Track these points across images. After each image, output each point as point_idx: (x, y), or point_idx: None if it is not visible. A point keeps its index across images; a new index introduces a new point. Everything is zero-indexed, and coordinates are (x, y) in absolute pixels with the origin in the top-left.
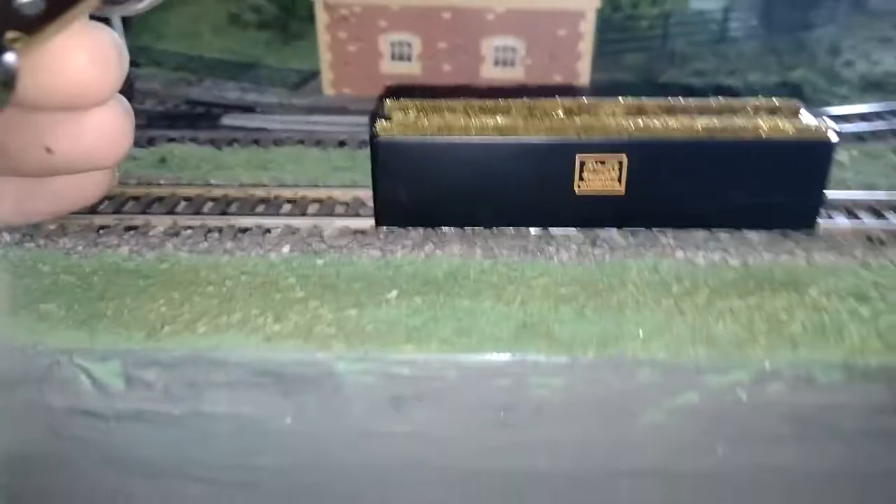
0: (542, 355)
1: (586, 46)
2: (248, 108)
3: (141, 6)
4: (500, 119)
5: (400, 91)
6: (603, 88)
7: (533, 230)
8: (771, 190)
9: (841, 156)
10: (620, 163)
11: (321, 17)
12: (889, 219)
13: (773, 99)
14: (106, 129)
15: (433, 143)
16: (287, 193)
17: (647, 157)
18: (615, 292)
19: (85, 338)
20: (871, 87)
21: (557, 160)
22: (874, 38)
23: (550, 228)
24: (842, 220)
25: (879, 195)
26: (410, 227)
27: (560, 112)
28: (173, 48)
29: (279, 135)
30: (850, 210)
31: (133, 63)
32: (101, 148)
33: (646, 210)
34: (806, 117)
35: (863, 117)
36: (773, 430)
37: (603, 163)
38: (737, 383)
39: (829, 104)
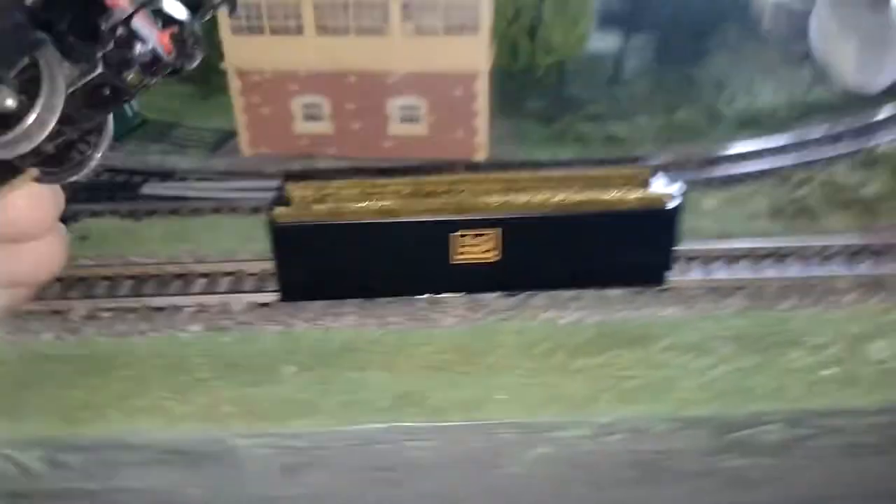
0: (416, 422)
1: (482, 104)
2: (167, 175)
3: (80, 175)
4: (386, 202)
5: (300, 176)
6: (505, 139)
7: (422, 297)
8: (623, 252)
9: (706, 203)
10: (495, 236)
11: (234, 83)
12: (736, 269)
13: (629, 168)
14: (42, 257)
15: (326, 225)
16: (200, 269)
17: (516, 229)
18: (486, 356)
19: (8, 427)
20: (748, 123)
21: (435, 236)
22: (759, 71)
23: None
24: (693, 274)
25: (732, 244)
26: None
27: (442, 189)
28: None
29: (196, 204)
30: (704, 260)
31: None
32: (35, 272)
33: (517, 275)
34: (655, 185)
35: (733, 159)
36: (619, 474)
37: (479, 236)
38: (583, 436)
39: (708, 144)
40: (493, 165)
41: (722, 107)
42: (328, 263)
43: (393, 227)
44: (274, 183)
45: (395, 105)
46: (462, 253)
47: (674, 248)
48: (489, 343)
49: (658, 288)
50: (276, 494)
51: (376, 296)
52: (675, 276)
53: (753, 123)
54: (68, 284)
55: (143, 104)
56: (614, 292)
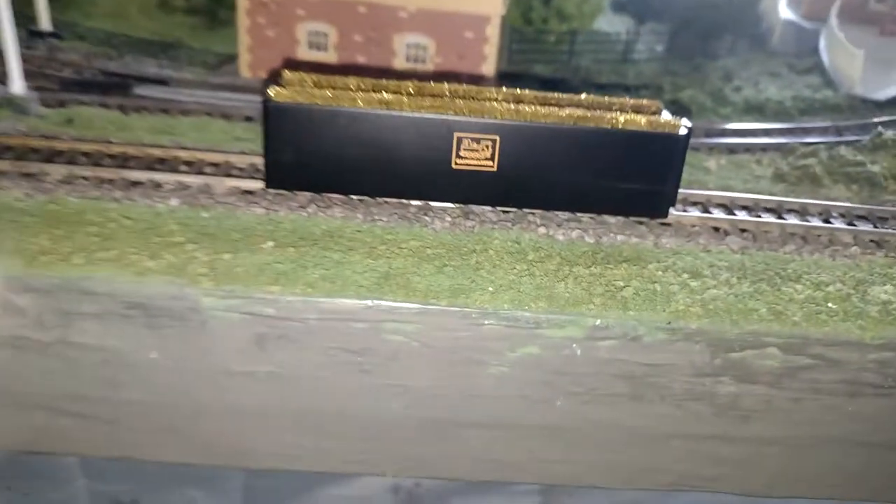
0: (398, 302)
1: (491, 50)
2: (161, 82)
3: None
4: (387, 95)
5: (303, 67)
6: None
7: (414, 203)
8: (628, 178)
9: (709, 163)
10: (494, 142)
11: (242, 1)
12: (734, 215)
13: (640, 100)
14: None
15: (322, 111)
16: (184, 155)
17: (517, 138)
18: (476, 255)
19: None
20: (752, 109)
21: (437, 135)
22: (766, 73)
23: (430, 203)
24: (694, 212)
25: (732, 194)
26: (298, 192)
27: (445, 93)
28: (99, 26)
29: (188, 106)
30: (704, 205)
31: (55, 35)
32: None
33: (516, 190)
34: (665, 116)
35: (738, 133)
36: (606, 387)
37: (478, 141)
38: (572, 338)
39: (711, 121)
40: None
41: (728, 93)
42: (321, 153)
43: (393, 120)
44: None
45: (402, 42)
46: (462, 157)
47: (679, 181)
48: (482, 245)
49: (659, 220)
50: (239, 369)
51: (368, 194)
52: (675, 212)
53: (758, 111)
54: (45, 155)
55: (148, 30)
56: (613, 219)
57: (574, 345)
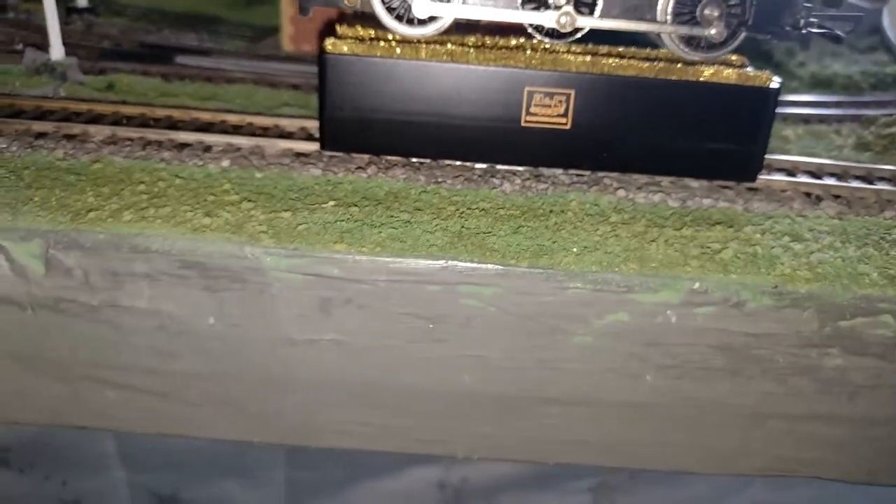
0: (475, 263)
1: None
2: (203, 53)
3: None
4: (451, 46)
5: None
6: None
7: (479, 165)
8: (714, 136)
9: (786, 132)
10: (568, 97)
11: None
12: (826, 181)
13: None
14: None
15: (383, 63)
16: (233, 119)
17: (594, 93)
18: (554, 216)
19: (7, 218)
20: (820, 84)
21: (506, 90)
22: (827, 53)
23: (497, 165)
24: (782, 177)
25: (819, 161)
26: (355, 154)
27: (513, 45)
28: (135, 2)
29: (232, 74)
30: (790, 171)
31: (91, 11)
32: None
33: (591, 150)
34: (751, 70)
35: (809, 104)
36: (701, 361)
37: (551, 96)
38: (666, 304)
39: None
40: None
41: (793, 68)
42: (381, 110)
43: (458, 73)
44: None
45: None
46: (532, 114)
47: (768, 141)
48: (558, 207)
49: (746, 185)
50: (302, 337)
51: (430, 156)
52: (762, 177)
53: (826, 85)
54: (88, 118)
55: (184, 6)
56: (696, 183)
57: (668, 311)
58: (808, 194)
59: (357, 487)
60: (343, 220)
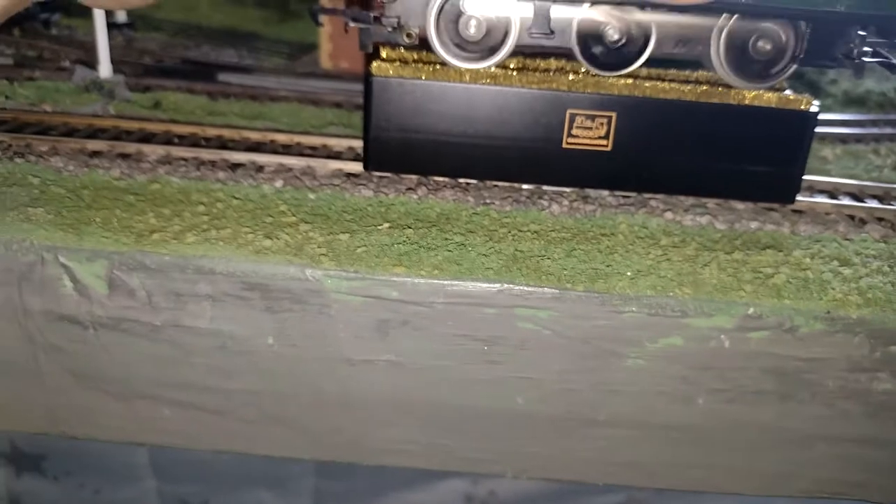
0: (531, 286)
1: None
2: (245, 70)
3: None
4: (494, 69)
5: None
6: None
7: (526, 186)
8: (753, 158)
9: (824, 152)
10: (609, 119)
11: None
12: (869, 203)
13: None
14: None
15: (427, 86)
16: (282, 138)
17: (635, 115)
18: (605, 239)
19: (72, 238)
20: (853, 102)
21: (548, 112)
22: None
23: (543, 187)
24: (824, 199)
25: (861, 183)
26: (405, 175)
27: (555, 68)
28: (171, 17)
29: (276, 93)
30: (832, 193)
31: (130, 26)
32: None
33: (631, 171)
34: (790, 93)
35: (845, 123)
36: (753, 384)
37: (592, 118)
38: (720, 329)
39: None
40: None
41: (824, 85)
42: (425, 131)
43: (502, 96)
44: (358, 87)
45: None
46: (574, 136)
47: (806, 163)
48: (608, 230)
49: (787, 206)
50: (359, 358)
51: (473, 176)
52: (805, 199)
53: (860, 102)
54: (140, 137)
55: (218, 22)
56: (742, 205)
57: (722, 336)
58: (851, 217)
59: (385, 499)
60: (399, 243)
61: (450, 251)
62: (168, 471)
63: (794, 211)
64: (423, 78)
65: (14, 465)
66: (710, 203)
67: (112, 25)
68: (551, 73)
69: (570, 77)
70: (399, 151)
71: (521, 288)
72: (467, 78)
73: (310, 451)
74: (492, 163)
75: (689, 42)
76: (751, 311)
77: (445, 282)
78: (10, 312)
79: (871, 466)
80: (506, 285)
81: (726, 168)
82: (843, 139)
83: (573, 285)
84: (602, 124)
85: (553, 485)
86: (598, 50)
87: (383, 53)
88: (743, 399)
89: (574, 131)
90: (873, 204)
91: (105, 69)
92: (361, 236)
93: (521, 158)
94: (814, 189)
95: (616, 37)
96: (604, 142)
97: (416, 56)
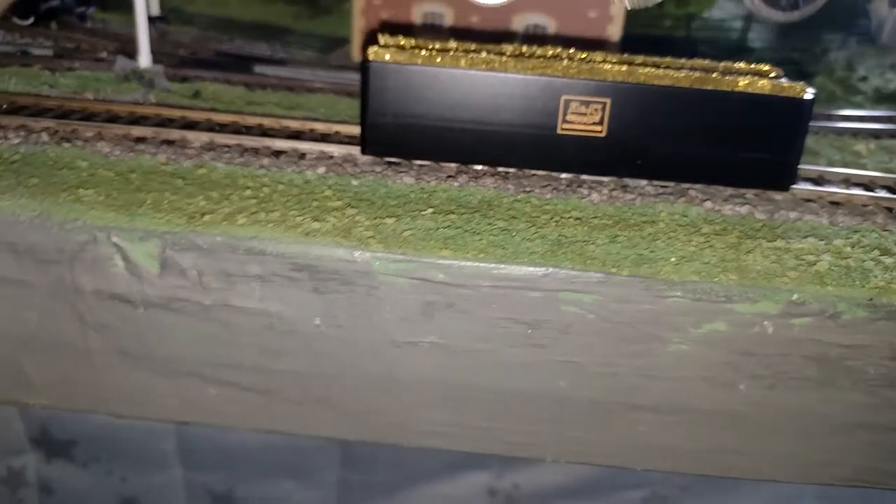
0: (577, 270)
1: (615, 29)
2: (279, 62)
3: None
4: (490, 55)
5: (400, 29)
6: None
7: (563, 175)
8: (747, 146)
9: (858, 147)
10: (604, 105)
11: None
12: None
13: (759, 65)
14: None
15: (423, 71)
16: (321, 127)
17: (629, 101)
18: (647, 226)
19: (124, 219)
20: (885, 98)
21: (543, 97)
22: (885, 65)
23: (582, 175)
24: (861, 192)
25: None
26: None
27: (549, 54)
28: (202, 12)
29: (311, 84)
30: (868, 186)
31: (162, 20)
32: None
33: (626, 157)
34: (786, 81)
35: (877, 119)
36: (795, 370)
37: (587, 104)
38: (764, 315)
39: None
40: None
41: (855, 83)
42: (421, 116)
43: (497, 82)
44: None
45: (522, 22)
46: (569, 122)
47: (802, 151)
48: (649, 218)
49: (780, 192)
50: (403, 339)
51: (468, 161)
52: (841, 190)
53: (891, 99)
54: (182, 124)
55: (249, 16)
56: (780, 195)
57: (766, 322)
58: (889, 209)
59: (408, 491)
60: (444, 227)
61: (494, 236)
62: (195, 459)
63: (832, 203)
64: (420, 63)
65: (44, 451)
66: (749, 193)
67: None
68: (546, 60)
69: (565, 63)
70: (396, 136)
71: (567, 272)
72: (463, 63)
73: (352, 433)
74: (487, 148)
75: None
76: (795, 297)
77: (491, 265)
78: (61, 291)
79: None
80: (551, 269)
81: (721, 155)
82: (876, 135)
83: (618, 270)
84: (596, 110)
85: (576, 478)
86: None
87: (381, 40)
88: (784, 385)
89: (569, 117)
90: None
91: (145, 59)
92: (407, 220)
93: (515, 144)
94: (850, 182)
95: None
96: (598, 128)
97: (413, 42)
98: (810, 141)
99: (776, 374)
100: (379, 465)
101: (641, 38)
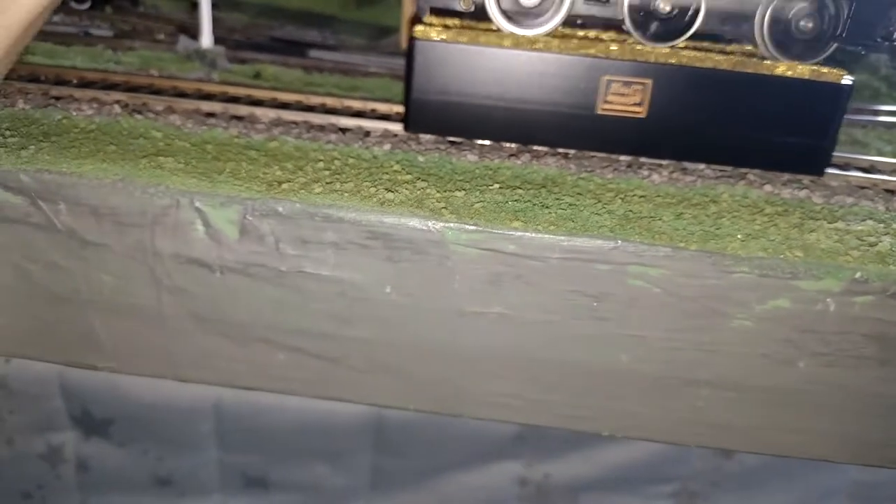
0: (645, 244)
1: None
2: (332, 48)
3: None
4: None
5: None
6: None
7: (622, 157)
8: (784, 130)
9: None
10: (645, 86)
11: None
12: None
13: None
14: None
15: (467, 50)
16: (382, 108)
17: (670, 83)
18: (711, 205)
19: (206, 185)
20: None
21: (584, 77)
22: None
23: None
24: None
25: None
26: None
27: (592, 36)
28: (251, 0)
29: (366, 68)
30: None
31: (214, 6)
32: None
33: (664, 139)
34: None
35: None
36: (854, 349)
37: (629, 85)
38: (828, 292)
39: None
40: None
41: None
42: (464, 94)
43: (539, 61)
44: None
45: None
46: (609, 102)
47: (837, 137)
48: (711, 198)
49: (815, 178)
50: (470, 309)
51: (509, 139)
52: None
53: None
54: (248, 102)
55: (297, 6)
56: (836, 182)
57: (828, 299)
58: None
59: (440, 479)
60: (513, 201)
61: (563, 209)
62: (230, 441)
63: (887, 190)
64: (464, 42)
65: (83, 429)
66: (806, 179)
67: (193, 5)
68: (589, 41)
69: (608, 44)
70: (439, 113)
71: (636, 245)
72: (507, 43)
73: (415, 402)
74: (527, 126)
75: (735, 19)
76: (858, 275)
77: (561, 237)
78: (140, 254)
79: None
80: (620, 242)
81: (758, 138)
82: None
83: (686, 244)
84: (637, 91)
85: (607, 472)
86: (647, 21)
87: (426, 19)
88: (844, 363)
89: (609, 97)
90: None
91: (207, 39)
92: (476, 194)
93: (555, 123)
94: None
95: (667, 9)
96: (638, 109)
97: (458, 22)
98: (859, 134)
99: (836, 352)
100: (412, 452)
101: None
